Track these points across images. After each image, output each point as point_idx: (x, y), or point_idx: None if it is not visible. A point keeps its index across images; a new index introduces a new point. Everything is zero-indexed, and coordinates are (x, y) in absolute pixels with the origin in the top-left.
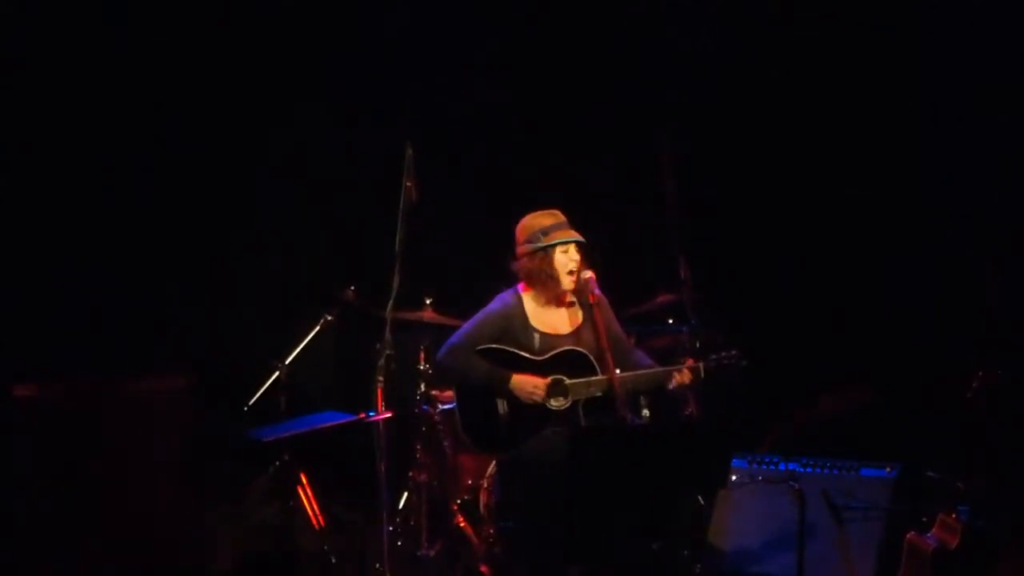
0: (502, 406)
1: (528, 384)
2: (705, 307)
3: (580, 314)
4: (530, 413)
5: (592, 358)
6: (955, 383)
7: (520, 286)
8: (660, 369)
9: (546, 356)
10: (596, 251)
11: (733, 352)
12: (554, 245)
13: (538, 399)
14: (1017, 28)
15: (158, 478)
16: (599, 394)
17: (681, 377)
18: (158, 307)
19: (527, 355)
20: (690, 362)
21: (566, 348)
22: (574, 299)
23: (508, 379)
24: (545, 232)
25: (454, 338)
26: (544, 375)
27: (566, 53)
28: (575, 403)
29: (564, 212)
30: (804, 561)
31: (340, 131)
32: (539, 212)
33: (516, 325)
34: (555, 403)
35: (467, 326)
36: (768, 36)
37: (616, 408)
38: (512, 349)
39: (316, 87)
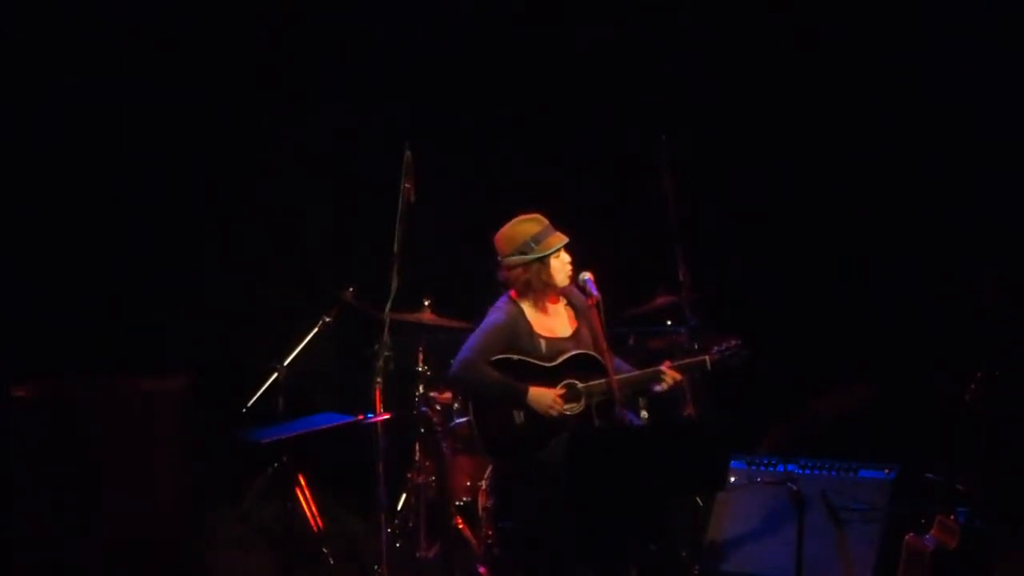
0: (518, 415)
1: (546, 399)
2: (705, 308)
3: (572, 313)
4: (546, 420)
5: (601, 360)
6: (955, 383)
7: (512, 292)
8: (649, 371)
9: (557, 361)
10: (595, 252)
11: (735, 343)
12: (550, 254)
13: (555, 414)
14: (1016, 26)
15: (158, 478)
16: (605, 397)
17: (670, 379)
18: (158, 307)
19: (539, 362)
20: (668, 363)
21: (576, 352)
22: (564, 298)
23: (525, 393)
24: (536, 240)
25: (465, 352)
26: (557, 379)
27: (565, 53)
28: (588, 407)
29: (558, 215)
30: (803, 562)
31: (339, 131)
32: (520, 219)
33: (522, 333)
34: (569, 408)
35: (476, 338)
36: (769, 36)
37: (615, 410)
38: (524, 358)
39: (315, 87)
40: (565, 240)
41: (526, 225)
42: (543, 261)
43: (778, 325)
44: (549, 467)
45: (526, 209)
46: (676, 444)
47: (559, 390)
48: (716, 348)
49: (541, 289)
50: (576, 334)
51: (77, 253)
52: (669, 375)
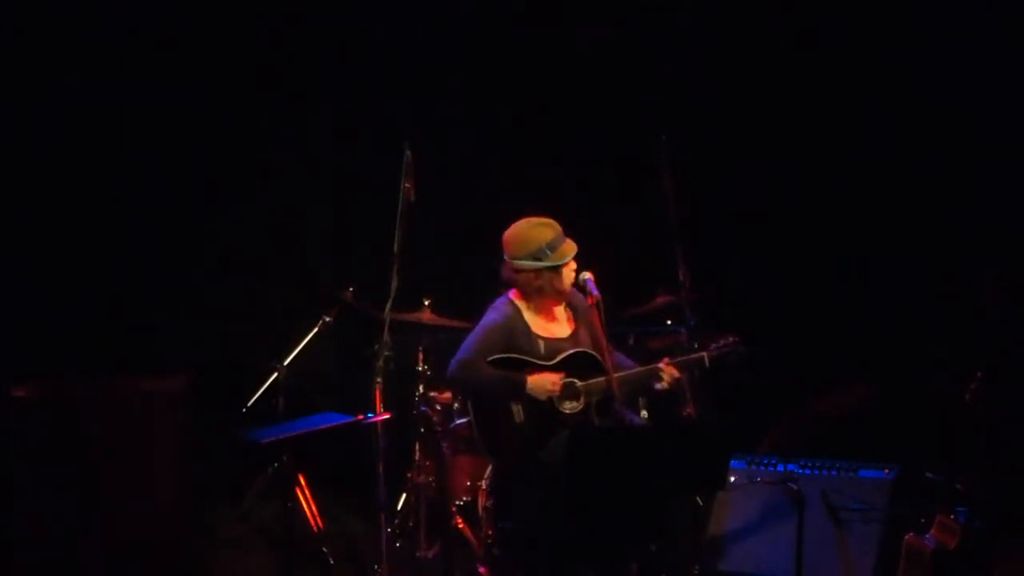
0: (518, 414)
1: (546, 382)
2: (705, 308)
3: (572, 314)
4: (546, 419)
5: (599, 358)
6: (955, 383)
7: (512, 292)
8: (647, 368)
9: (556, 360)
10: (595, 252)
11: (732, 339)
12: (564, 264)
13: (556, 393)
14: (1016, 26)
15: (157, 478)
16: (605, 395)
17: (668, 376)
18: (158, 307)
19: (537, 361)
20: (666, 360)
21: (574, 350)
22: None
23: (524, 382)
24: (552, 247)
25: (462, 352)
26: None
27: (565, 53)
28: (587, 405)
29: (557, 215)
30: (803, 562)
31: (339, 131)
32: (533, 221)
33: (519, 334)
34: (568, 406)
35: (473, 339)
36: (769, 36)
37: (615, 409)
38: (522, 356)
39: (315, 88)
40: (576, 249)
41: (542, 230)
42: (556, 270)
43: (778, 325)
44: (549, 467)
45: (525, 209)
46: (676, 444)
47: (558, 374)
48: (713, 345)
49: (551, 295)
50: (575, 335)
51: (77, 253)
52: (667, 372)
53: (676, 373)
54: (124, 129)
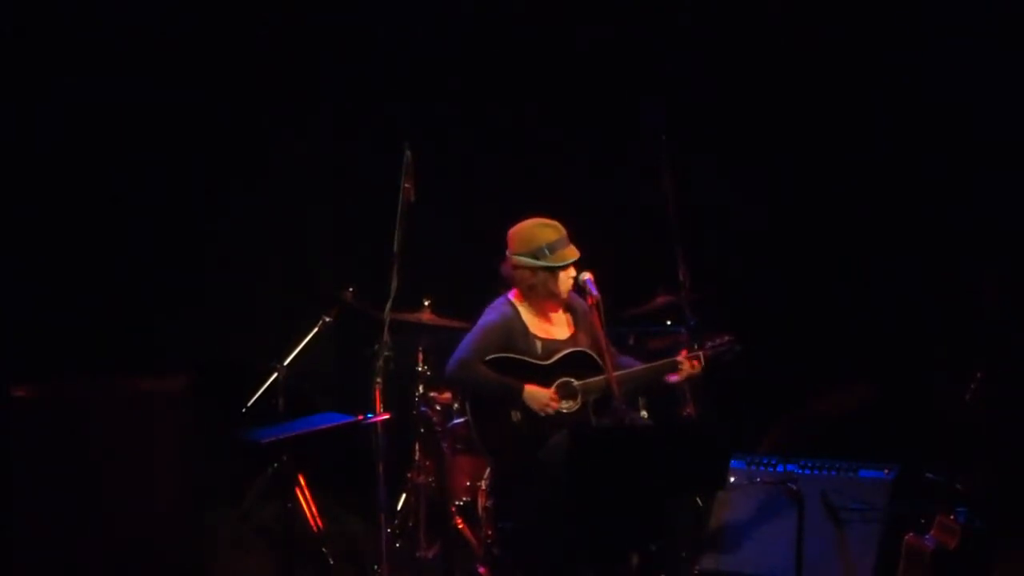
0: (516, 414)
1: (542, 397)
2: (705, 308)
3: (571, 318)
4: (544, 419)
5: (597, 357)
6: (955, 383)
7: (512, 293)
8: (663, 361)
9: (553, 360)
10: (595, 252)
11: (727, 338)
12: (561, 267)
13: (551, 412)
14: (1016, 26)
15: (157, 478)
16: (602, 394)
17: (688, 367)
18: (158, 307)
19: (534, 360)
20: (684, 352)
21: (571, 350)
22: (563, 303)
23: (520, 391)
24: (551, 249)
25: (460, 351)
26: (552, 378)
27: (565, 53)
28: (585, 404)
29: (557, 215)
30: (803, 562)
31: (339, 131)
32: (539, 221)
33: (517, 334)
34: (565, 406)
35: (471, 338)
36: (769, 36)
37: (614, 407)
38: (519, 356)
39: (315, 88)
40: (577, 256)
41: (545, 230)
42: (552, 272)
43: (778, 325)
44: (548, 467)
45: (525, 209)
46: (676, 444)
47: (554, 389)
48: (709, 343)
49: (545, 296)
50: (573, 338)
51: (77, 253)
52: (687, 363)
53: (697, 365)
54: (124, 129)
